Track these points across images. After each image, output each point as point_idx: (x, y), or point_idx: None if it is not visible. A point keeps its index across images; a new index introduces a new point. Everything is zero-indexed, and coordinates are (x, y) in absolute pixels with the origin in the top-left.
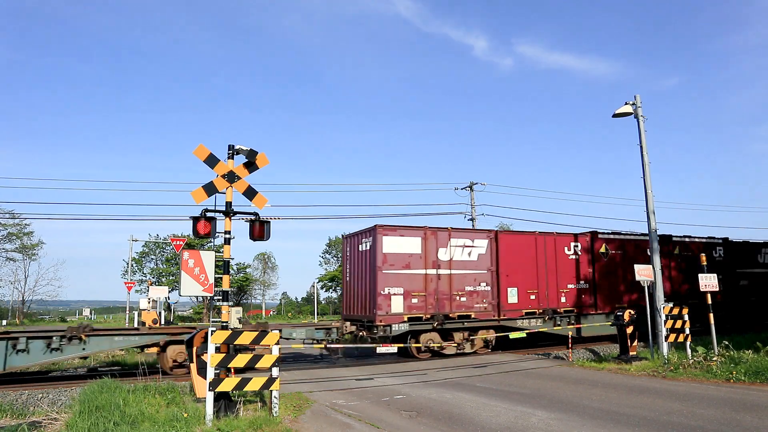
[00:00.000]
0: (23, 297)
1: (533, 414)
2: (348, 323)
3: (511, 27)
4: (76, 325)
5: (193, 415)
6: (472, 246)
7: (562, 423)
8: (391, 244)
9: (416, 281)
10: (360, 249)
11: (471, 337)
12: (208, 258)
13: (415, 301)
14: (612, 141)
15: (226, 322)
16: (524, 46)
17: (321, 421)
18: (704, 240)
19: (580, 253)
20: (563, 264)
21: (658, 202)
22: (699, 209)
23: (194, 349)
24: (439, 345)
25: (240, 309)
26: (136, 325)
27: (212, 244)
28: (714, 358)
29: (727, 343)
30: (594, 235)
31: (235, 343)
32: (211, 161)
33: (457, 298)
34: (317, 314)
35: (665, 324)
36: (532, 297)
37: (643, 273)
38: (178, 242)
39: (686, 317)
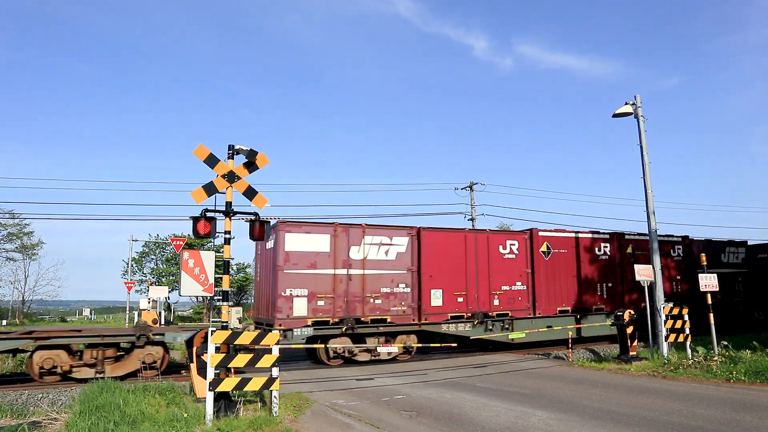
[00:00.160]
0: (23, 297)
1: (533, 414)
2: (252, 327)
3: (511, 27)
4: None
5: (193, 415)
6: (390, 244)
7: (562, 423)
8: (295, 242)
9: (323, 282)
10: (267, 247)
11: (389, 343)
12: (208, 258)
13: (321, 303)
14: (612, 141)
15: (226, 322)
16: (524, 47)
17: (321, 421)
18: (661, 238)
19: (517, 252)
20: (497, 264)
21: (658, 202)
22: (699, 209)
23: (194, 349)
24: (350, 351)
25: (240, 309)
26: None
27: (212, 244)
28: (714, 358)
29: (726, 343)
30: (533, 232)
31: (235, 343)
32: (211, 161)
33: (371, 300)
34: None
35: (665, 324)
36: (460, 300)
37: (643, 273)
38: (178, 242)
39: (686, 317)
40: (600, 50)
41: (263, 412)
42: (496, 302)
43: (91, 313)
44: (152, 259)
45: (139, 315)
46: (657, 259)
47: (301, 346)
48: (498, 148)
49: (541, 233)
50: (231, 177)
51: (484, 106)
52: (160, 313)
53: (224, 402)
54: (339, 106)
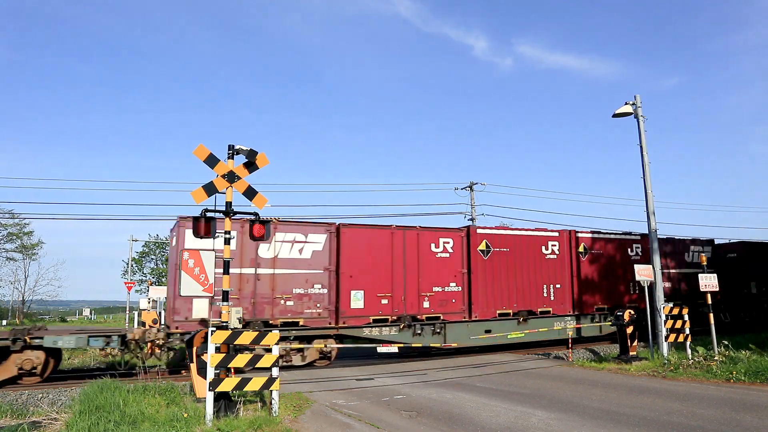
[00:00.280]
0: (23, 297)
1: (533, 414)
2: (155, 330)
3: (511, 27)
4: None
5: (193, 415)
6: (305, 242)
7: (562, 423)
8: (195, 239)
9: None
10: (172, 244)
11: (304, 348)
12: (208, 258)
13: None
14: (612, 141)
15: (226, 322)
16: (524, 47)
17: (321, 421)
18: (619, 236)
19: (452, 250)
20: (429, 263)
21: (658, 202)
22: (698, 209)
23: (194, 349)
24: None
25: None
26: (136, 325)
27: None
28: (714, 358)
29: (727, 343)
30: (471, 229)
31: (235, 343)
32: (211, 161)
33: (282, 302)
34: None
35: (665, 324)
36: (384, 302)
37: (643, 273)
38: None
39: (686, 317)
40: (600, 50)
41: (263, 412)
42: (426, 304)
43: (91, 313)
44: (152, 259)
45: (139, 315)
46: (657, 258)
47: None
48: (498, 148)
49: (479, 230)
50: (231, 177)
51: (484, 106)
52: (160, 313)
53: (224, 402)
54: (339, 106)
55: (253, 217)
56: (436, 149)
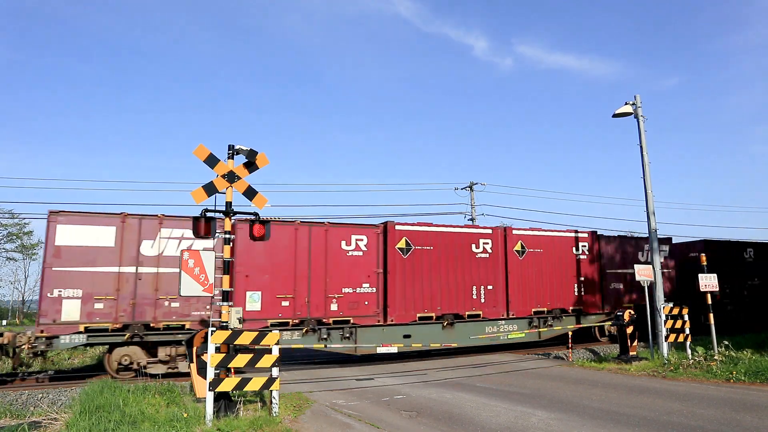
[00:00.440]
0: (23, 297)
1: (533, 414)
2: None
3: (511, 27)
4: None
5: (193, 415)
6: (194, 238)
7: (562, 423)
8: (69, 235)
9: (105, 282)
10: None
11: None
12: (208, 258)
13: (100, 306)
14: (612, 141)
15: (226, 322)
16: (524, 47)
17: (321, 421)
18: (563, 234)
19: (366, 248)
20: (339, 262)
21: (658, 203)
22: (698, 209)
23: (194, 349)
24: (140, 363)
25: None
26: None
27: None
28: (714, 358)
29: (727, 343)
30: (388, 226)
31: (235, 343)
32: (211, 161)
33: (166, 303)
34: None
35: (665, 324)
36: (285, 304)
37: (643, 273)
38: None
39: (686, 317)
40: (600, 50)
41: (263, 412)
42: (333, 307)
43: None
44: None
45: None
46: (657, 258)
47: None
48: (498, 148)
49: (398, 227)
50: (231, 177)
51: (484, 106)
52: None
53: (224, 402)
54: (339, 106)
55: (253, 217)
56: (436, 149)
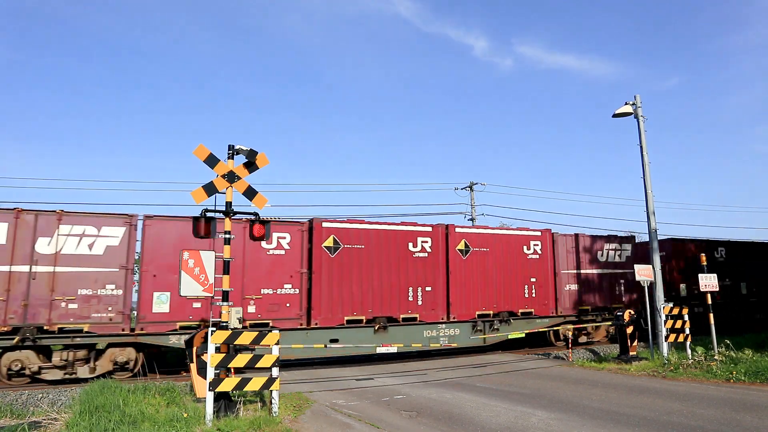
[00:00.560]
0: None
1: (533, 414)
2: None
3: (511, 27)
4: None
5: (193, 415)
6: (98, 235)
7: (562, 423)
8: None
9: None
10: None
11: (92, 357)
12: (208, 258)
13: None
14: (612, 141)
15: (226, 322)
16: (524, 47)
17: (321, 421)
18: (512, 232)
19: (289, 247)
20: (257, 262)
21: (658, 202)
22: (698, 209)
23: (194, 349)
24: (32, 368)
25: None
26: None
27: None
28: (714, 358)
29: (728, 342)
30: (314, 223)
31: (235, 343)
32: (211, 161)
33: (63, 304)
34: None
35: (665, 324)
36: (197, 305)
37: (643, 273)
38: None
39: (686, 317)
40: (600, 50)
41: (263, 412)
42: (251, 309)
43: None
44: None
45: None
46: (657, 258)
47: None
48: (498, 148)
49: (325, 224)
50: (231, 177)
51: (484, 106)
52: None
53: (224, 402)
54: (339, 106)
55: (253, 217)
56: (436, 149)
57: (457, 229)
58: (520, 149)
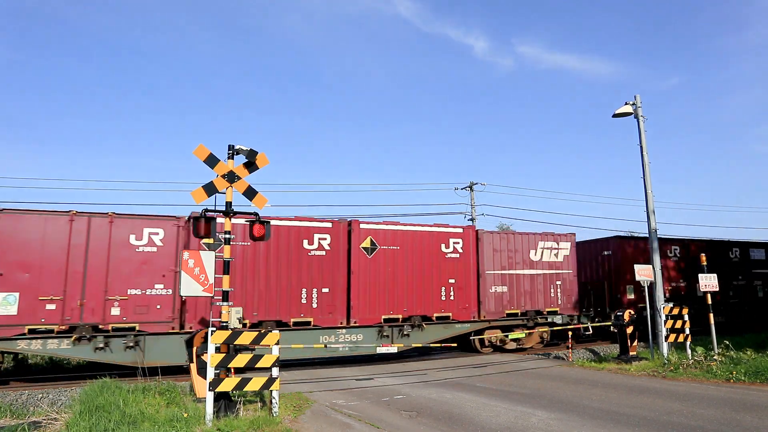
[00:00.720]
0: None
1: (533, 414)
2: None
3: (511, 27)
4: None
5: (193, 415)
6: None
7: (562, 423)
8: None
9: None
10: None
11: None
12: (208, 258)
13: None
14: (612, 141)
15: (226, 322)
16: (524, 47)
17: (321, 421)
18: (425, 229)
19: (162, 243)
20: (126, 260)
21: (658, 202)
22: (698, 210)
23: (194, 349)
24: None
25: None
26: None
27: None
28: (714, 358)
29: (728, 342)
30: (193, 217)
31: (235, 343)
32: (211, 161)
33: None
34: None
35: (665, 324)
36: (51, 307)
37: (642, 273)
38: None
39: (686, 317)
40: (600, 50)
41: (263, 412)
42: (115, 311)
43: None
44: None
45: None
46: (657, 258)
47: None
48: (498, 148)
49: (219, 220)
50: (231, 177)
51: (484, 106)
52: None
53: (224, 402)
54: (339, 106)
55: (253, 217)
56: (436, 149)
57: (362, 225)
58: (520, 149)
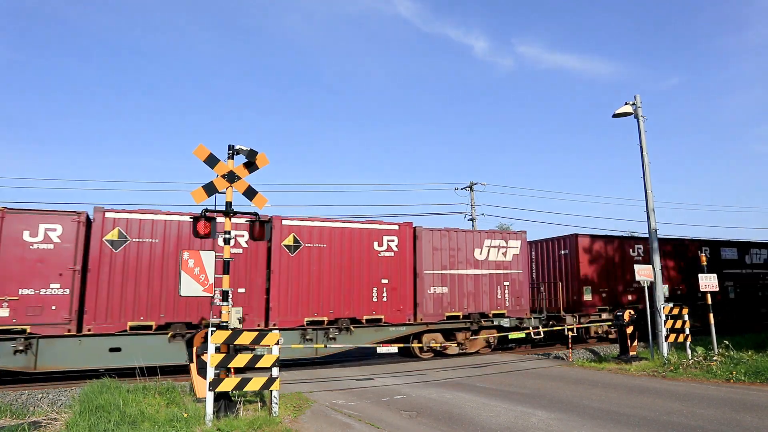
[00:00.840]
0: None
1: (533, 414)
2: None
3: (511, 27)
4: None
5: (193, 415)
6: None
7: (562, 423)
8: None
9: None
10: None
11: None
12: (208, 258)
13: None
14: (612, 141)
15: (226, 322)
16: (524, 47)
17: (321, 421)
18: (356, 226)
19: (59, 240)
20: (17, 258)
21: (658, 202)
22: (698, 210)
23: (194, 349)
24: None
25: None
26: None
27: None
28: (714, 358)
29: (727, 343)
30: (96, 214)
31: (235, 343)
32: (211, 161)
33: None
34: None
35: (665, 324)
36: None
37: (642, 273)
38: None
39: (686, 317)
40: (600, 50)
41: (263, 412)
42: (3, 313)
43: None
44: None
45: None
46: (657, 258)
47: None
48: (498, 148)
49: (108, 215)
50: (231, 177)
51: (484, 107)
52: None
53: (224, 402)
54: (339, 106)
55: (253, 217)
56: (436, 149)
57: (285, 222)
58: (520, 149)
